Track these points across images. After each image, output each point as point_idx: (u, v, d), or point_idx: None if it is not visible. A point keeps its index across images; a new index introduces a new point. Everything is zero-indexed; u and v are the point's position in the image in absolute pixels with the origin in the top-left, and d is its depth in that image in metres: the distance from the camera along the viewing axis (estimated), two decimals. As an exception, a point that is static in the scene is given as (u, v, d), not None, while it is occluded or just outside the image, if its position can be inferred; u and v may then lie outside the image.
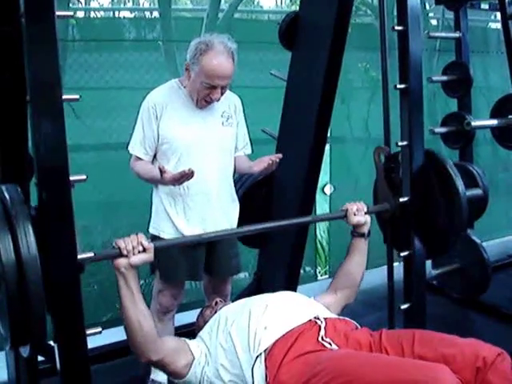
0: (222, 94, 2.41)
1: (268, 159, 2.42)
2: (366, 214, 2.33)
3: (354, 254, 2.34)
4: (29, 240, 1.51)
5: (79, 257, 1.67)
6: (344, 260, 2.36)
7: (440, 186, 2.42)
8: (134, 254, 1.81)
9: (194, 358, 1.98)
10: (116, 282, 1.84)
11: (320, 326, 1.94)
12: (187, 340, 2.05)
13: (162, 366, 1.97)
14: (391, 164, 2.46)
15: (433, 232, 2.46)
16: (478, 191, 2.76)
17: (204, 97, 2.39)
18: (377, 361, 1.75)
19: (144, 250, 1.83)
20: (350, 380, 1.66)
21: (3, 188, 1.60)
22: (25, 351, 1.68)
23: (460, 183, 2.39)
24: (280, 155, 2.45)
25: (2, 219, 1.53)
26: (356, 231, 2.34)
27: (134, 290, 1.84)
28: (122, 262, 1.81)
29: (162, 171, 2.25)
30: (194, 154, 2.43)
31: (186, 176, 2.24)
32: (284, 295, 2.22)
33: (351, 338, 1.92)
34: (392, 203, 2.44)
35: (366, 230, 2.34)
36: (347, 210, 2.30)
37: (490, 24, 5.42)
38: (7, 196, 1.56)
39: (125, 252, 1.80)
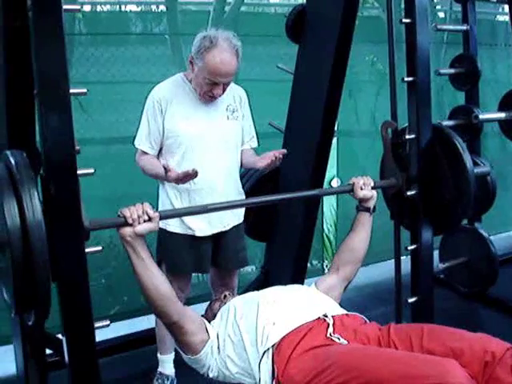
0: (224, 90, 2.41)
1: (272, 155, 2.42)
2: (372, 188, 2.31)
3: (358, 228, 2.32)
4: (34, 205, 1.49)
5: (85, 224, 1.67)
6: (347, 235, 2.34)
7: (447, 161, 2.40)
8: (139, 223, 1.81)
9: (209, 338, 1.98)
10: (126, 252, 1.84)
11: (328, 324, 1.94)
12: (205, 320, 2.05)
13: (179, 330, 1.95)
14: (398, 139, 2.45)
15: (440, 207, 2.44)
16: (485, 169, 2.73)
17: (206, 92, 2.39)
18: (384, 356, 1.74)
19: (149, 219, 1.82)
20: (356, 376, 1.65)
21: (8, 153, 1.58)
22: (29, 318, 1.67)
23: (468, 158, 2.37)
24: (284, 150, 2.44)
25: (8, 184, 1.51)
26: (362, 205, 2.33)
27: (143, 257, 1.83)
28: (127, 230, 1.80)
29: (166, 170, 2.25)
30: (200, 149, 2.43)
31: (190, 176, 2.24)
32: (293, 289, 2.22)
33: (359, 333, 1.92)
34: (399, 178, 2.43)
35: (371, 204, 2.32)
36: (354, 183, 2.28)
37: (497, 16, 5.38)
38: (12, 160, 1.55)
39: (130, 221, 1.79)
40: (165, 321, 1.95)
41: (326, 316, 1.99)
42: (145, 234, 1.84)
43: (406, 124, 2.46)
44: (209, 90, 2.38)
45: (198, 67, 2.35)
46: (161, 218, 1.89)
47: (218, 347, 2.00)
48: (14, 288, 1.54)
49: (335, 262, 2.31)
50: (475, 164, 3.26)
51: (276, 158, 2.39)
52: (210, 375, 2.02)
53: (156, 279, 1.85)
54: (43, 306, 1.58)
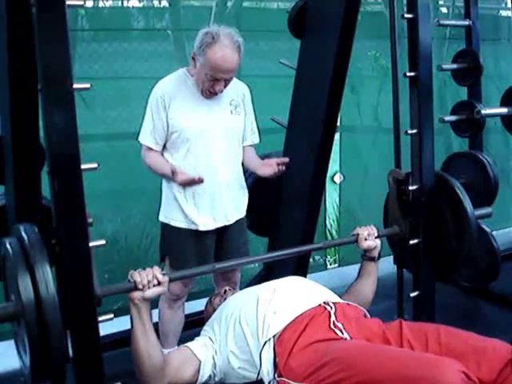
0: (225, 86, 2.41)
1: (274, 163, 2.44)
2: (376, 237, 2.35)
3: (364, 277, 2.37)
4: (47, 281, 1.55)
5: (96, 292, 1.73)
6: (355, 281, 2.39)
7: (450, 209, 2.45)
8: (149, 288, 1.85)
9: (200, 362, 2.01)
10: (129, 311, 1.89)
11: (330, 312, 1.95)
12: (190, 344, 2.07)
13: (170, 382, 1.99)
14: (403, 186, 2.48)
15: (442, 255, 2.50)
16: (487, 210, 2.80)
17: (208, 88, 2.40)
18: (383, 355, 1.75)
19: (159, 283, 1.87)
20: (355, 374, 1.68)
21: (21, 228, 1.64)
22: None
23: (469, 205, 2.42)
24: (287, 159, 2.47)
25: (21, 259, 1.57)
26: (366, 255, 2.38)
27: (145, 322, 1.88)
28: (136, 295, 1.85)
29: (173, 172, 2.29)
30: (203, 143, 2.44)
31: (195, 182, 2.30)
32: (291, 280, 2.24)
33: (363, 326, 1.93)
34: (402, 226, 2.47)
35: (376, 253, 2.38)
36: (358, 234, 2.33)
37: (500, 11, 5.37)
38: (25, 236, 1.61)
39: (140, 286, 1.84)
40: None
41: (327, 303, 2.00)
42: (153, 298, 1.90)
43: (409, 168, 2.49)
44: (210, 86, 2.39)
45: (200, 63, 2.36)
46: (171, 281, 1.95)
47: (214, 350, 2.03)
48: (31, 361, 1.59)
49: (345, 299, 2.28)
50: (477, 161, 3.30)
51: (278, 170, 2.45)
52: (217, 379, 2.06)
53: (152, 347, 1.89)
54: (59, 377, 1.64)
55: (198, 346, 2.05)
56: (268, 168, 2.48)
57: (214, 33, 2.33)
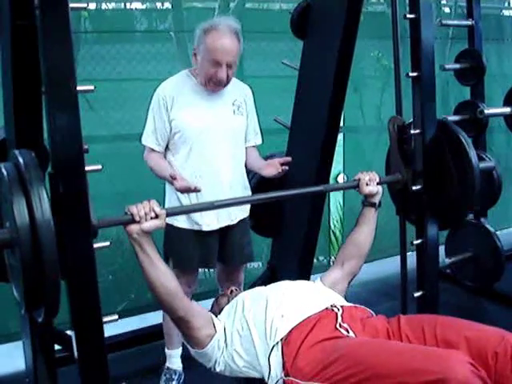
0: (228, 76, 2.41)
1: (277, 163, 2.44)
2: (378, 184, 2.33)
3: (363, 223, 2.34)
4: (43, 204, 1.50)
5: (93, 222, 1.68)
6: (352, 230, 2.36)
7: (452, 156, 2.40)
8: (146, 220, 1.82)
9: (215, 332, 2.00)
10: (133, 249, 1.86)
11: (337, 314, 1.96)
12: (212, 315, 2.07)
13: (186, 325, 1.97)
14: (404, 134, 2.45)
15: (446, 202, 2.45)
16: (490, 164, 2.75)
17: (211, 76, 2.40)
18: (391, 350, 1.75)
19: (156, 216, 1.84)
20: (363, 370, 1.67)
21: (17, 153, 1.59)
22: (39, 315, 1.69)
23: (472, 152, 2.38)
24: (289, 158, 2.48)
25: (16, 184, 1.53)
26: (367, 200, 2.34)
27: (150, 254, 1.85)
28: (134, 228, 1.81)
29: (172, 178, 2.28)
30: (206, 143, 2.45)
31: (192, 191, 2.28)
32: (301, 284, 2.23)
33: (368, 325, 1.93)
34: (404, 174, 2.44)
35: (377, 199, 2.35)
36: (359, 179, 2.30)
37: (503, 11, 5.36)
38: (21, 160, 1.56)
39: (137, 218, 1.81)
40: (172, 316, 1.97)
41: (335, 306, 2.00)
42: (151, 231, 1.85)
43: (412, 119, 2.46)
44: (213, 74, 2.38)
45: (201, 52, 2.38)
46: (167, 215, 1.91)
47: (225, 341, 2.01)
48: (24, 286, 1.55)
49: (340, 257, 2.33)
50: (480, 159, 3.28)
51: (282, 170, 2.44)
52: (217, 369, 2.04)
53: (163, 275, 1.87)
54: (53, 303, 1.59)
55: (217, 321, 2.04)
56: (272, 168, 2.48)
57: (212, 21, 2.39)
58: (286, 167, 2.46)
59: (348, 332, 1.88)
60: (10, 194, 1.51)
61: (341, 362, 1.72)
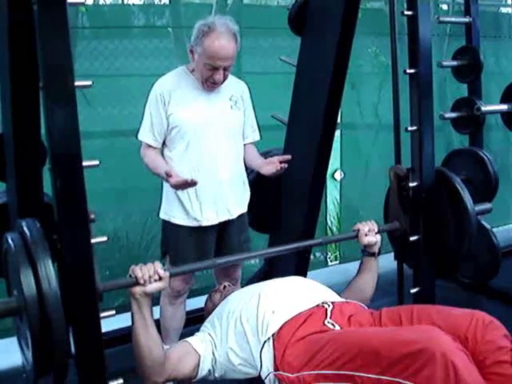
0: (225, 76, 2.42)
1: (277, 162, 2.44)
2: (376, 233, 2.35)
3: (364, 272, 2.38)
4: (49, 275, 1.56)
5: (98, 287, 1.74)
6: (355, 276, 2.39)
7: (450, 205, 2.47)
8: (150, 283, 1.86)
9: (199, 356, 2.02)
10: (130, 307, 1.90)
11: (327, 310, 1.97)
12: (190, 339, 2.08)
13: (174, 379, 2.01)
14: (403, 182, 2.48)
15: (442, 251, 2.52)
16: (487, 206, 2.81)
17: (208, 78, 2.41)
18: (374, 330, 1.83)
19: (160, 279, 1.88)
20: (348, 349, 1.70)
21: (23, 223, 1.64)
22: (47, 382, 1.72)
23: (469, 202, 2.43)
24: (289, 156, 2.48)
25: (23, 254, 1.58)
26: (367, 250, 2.37)
27: (146, 317, 1.88)
28: (138, 290, 1.86)
29: (168, 175, 2.29)
30: (204, 137, 2.45)
31: (188, 184, 2.29)
32: (293, 280, 2.24)
33: (353, 321, 1.95)
34: (402, 222, 2.48)
35: (376, 249, 2.38)
36: (358, 230, 2.33)
37: (501, 8, 5.37)
38: (27, 231, 1.61)
39: (141, 281, 1.85)
40: (156, 379, 1.95)
41: (326, 302, 2.01)
42: (154, 293, 1.91)
43: (409, 164, 2.51)
44: (210, 76, 2.40)
45: (198, 54, 2.38)
46: (171, 276, 1.96)
47: (214, 345, 2.04)
48: (33, 355, 1.60)
49: (345, 295, 2.30)
50: (477, 158, 3.31)
51: (281, 168, 2.44)
52: (216, 375, 2.07)
53: (152, 341, 1.90)
54: (62, 371, 1.66)
55: (198, 340, 2.06)
56: (270, 166, 2.48)
57: (210, 22, 2.36)
58: (285, 165, 2.46)
59: (334, 326, 1.91)
60: (16, 264, 1.57)
61: (327, 348, 1.76)
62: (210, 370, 2.04)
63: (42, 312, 1.55)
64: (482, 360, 1.69)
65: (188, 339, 2.09)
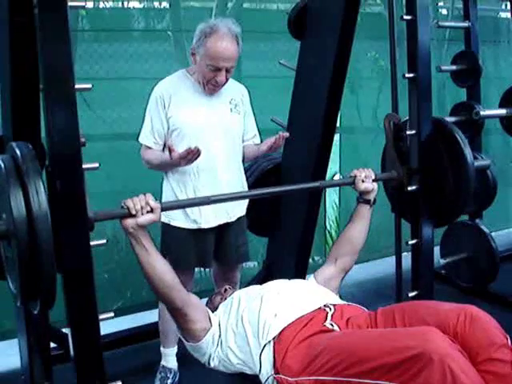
0: (227, 78, 2.43)
1: (274, 138, 2.45)
2: (373, 181, 2.34)
3: (357, 220, 2.35)
4: (40, 196, 1.51)
5: (89, 215, 1.70)
6: (346, 226, 2.38)
7: (448, 155, 2.42)
8: (142, 214, 1.84)
9: (211, 326, 2.02)
10: (129, 243, 1.88)
11: (328, 313, 1.97)
12: (208, 310, 2.09)
13: (183, 317, 1.99)
14: (400, 132, 2.47)
15: (441, 200, 2.47)
16: (485, 162, 2.77)
17: (210, 80, 2.41)
18: (371, 335, 1.80)
19: (151, 210, 1.86)
20: (347, 357, 1.70)
21: (14, 145, 1.60)
22: (34, 308, 1.69)
23: (468, 151, 2.39)
24: (287, 134, 2.47)
25: (14, 175, 1.53)
26: (362, 197, 2.36)
27: (147, 246, 1.87)
28: (129, 222, 1.84)
29: (170, 150, 2.29)
30: (203, 140, 2.45)
31: (193, 153, 2.27)
32: (296, 283, 2.24)
33: (351, 323, 1.96)
34: (400, 171, 2.45)
35: (372, 196, 2.35)
36: (355, 176, 2.32)
37: (500, 13, 5.38)
38: (18, 152, 1.57)
39: (133, 212, 1.83)
40: (169, 307, 1.99)
41: (327, 305, 2.02)
42: (147, 225, 1.87)
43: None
44: (212, 78, 2.40)
45: (200, 55, 2.38)
46: (162, 210, 1.93)
47: (220, 337, 2.03)
48: (20, 277, 1.56)
49: (333, 253, 2.35)
50: (475, 158, 3.30)
51: (279, 136, 2.43)
52: (212, 364, 2.06)
53: (160, 268, 1.90)
54: (48, 295, 1.60)
55: (212, 316, 2.06)
56: (268, 142, 2.48)
57: (213, 24, 2.37)
58: (287, 134, 2.44)
59: (333, 326, 1.91)
60: (6, 186, 1.52)
61: (324, 354, 1.75)
62: (210, 352, 2.03)
63: (31, 235, 1.51)
64: (474, 355, 1.68)
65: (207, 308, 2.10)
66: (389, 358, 1.61)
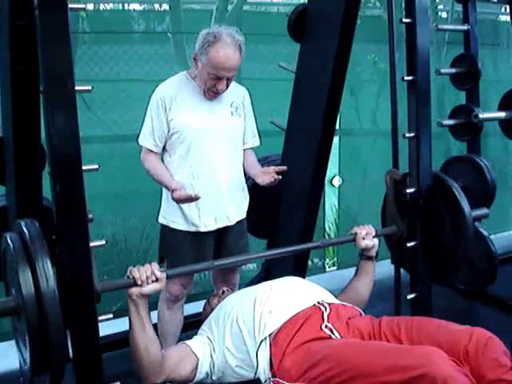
0: (227, 85, 2.43)
1: (272, 171, 2.46)
2: (374, 237, 2.37)
3: (361, 275, 2.39)
4: (48, 275, 1.56)
5: (96, 288, 1.74)
6: (352, 279, 2.41)
7: (447, 210, 2.47)
8: (147, 284, 1.88)
9: (198, 359, 2.04)
10: (127, 308, 1.92)
11: (323, 313, 1.98)
12: (188, 342, 2.09)
13: (169, 382, 2.02)
14: (401, 187, 2.50)
15: (440, 255, 2.53)
16: (484, 211, 2.82)
17: (210, 87, 2.42)
18: (373, 349, 1.79)
19: (157, 280, 1.90)
20: (347, 369, 1.71)
21: (22, 223, 1.65)
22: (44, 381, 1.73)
23: (466, 206, 2.44)
24: (285, 168, 2.50)
25: (22, 254, 1.58)
26: (364, 254, 2.39)
27: (143, 317, 1.90)
28: (135, 291, 1.88)
29: (174, 188, 2.32)
30: (204, 143, 2.46)
31: (192, 199, 2.32)
32: (288, 279, 2.26)
33: (352, 325, 1.96)
34: (400, 226, 2.49)
35: (373, 252, 2.40)
36: (356, 234, 2.35)
37: (500, 17, 5.39)
38: (26, 231, 1.62)
39: (139, 282, 1.87)
40: (154, 380, 1.97)
41: (322, 303, 2.02)
42: (151, 294, 1.92)
43: (407, 170, 2.52)
44: (213, 86, 2.41)
45: (202, 63, 2.38)
46: (168, 278, 1.99)
47: (212, 347, 2.05)
48: (31, 353, 1.60)
49: (341, 298, 2.30)
50: (474, 165, 3.33)
51: (275, 179, 2.46)
52: (214, 378, 2.08)
53: (150, 341, 1.92)
54: (59, 370, 1.66)
55: (197, 343, 2.07)
56: (266, 176, 2.49)
57: (216, 32, 2.36)
58: (280, 176, 2.47)
59: (332, 332, 1.91)
60: (15, 264, 1.57)
61: (324, 363, 1.76)
62: (207, 373, 2.05)
63: (39, 311, 1.55)
64: (483, 375, 1.69)
65: (187, 342, 2.10)
66: (392, 375, 1.62)
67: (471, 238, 2.46)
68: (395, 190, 2.50)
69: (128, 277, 1.89)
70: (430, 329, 1.87)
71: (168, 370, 1.97)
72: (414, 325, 1.90)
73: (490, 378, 1.69)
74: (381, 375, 1.63)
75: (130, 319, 1.91)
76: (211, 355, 2.04)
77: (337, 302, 2.12)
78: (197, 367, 2.03)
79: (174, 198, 2.35)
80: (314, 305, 2.02)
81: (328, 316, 1.97)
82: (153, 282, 1.89)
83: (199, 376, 2.04)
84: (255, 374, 1.96)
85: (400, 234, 2.49)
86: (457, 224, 2.43)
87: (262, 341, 1.94)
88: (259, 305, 2.02)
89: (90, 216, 1.69)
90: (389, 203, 2.53)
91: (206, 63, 2.37)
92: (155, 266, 1.91)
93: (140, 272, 1.88)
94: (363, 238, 2.34)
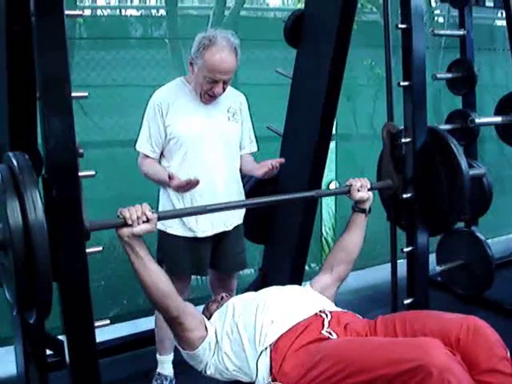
0: (224, 89, 2.44)
1: (269, 163, 2.45)
2: (369, 190, 2.34)
3: (352, 229, 2.35)
4: (36, 206, 1.52)
5: (85, 225, 1.70)
6: (342, 235, 2.38)
7: (443, 163, 2.42)
8: (138, 224, 1.84)
9: (207, 334, 2.02)
10: (125, 253, 1.88)
11: (324, 320, 1.97)
12: (205, 317, 2.09)
13: (179, 326, 1.99)
14: (397, 141, 2.47)
15: (436, 208, 2.47)
16: (480, 170, 2.78)
17: (207, 91, 2.42)
18: (370, 345, 1.80)
19: (148, 220, 1.86)
20: (345, 366, 1.71)
21: (11, 155, 1.61)
22: (30, 317, 1.69)
23: (462, 159, 2.40)
24: (282, 160, 2.49)
25: (10, 185, 1.54)
26: (358, 206, 2.36)
27: (142, 255, 1.87)
28: (124, 231, 1.84)
29: (170, 177, 2.31)
30: (201, 148, 2.46)
31: (192, 184, 2.30)
32: (291, 289, 2.25)
33: (350, 329, 1.96)
34: (395, 180, 2.46)
35: (367, 205, 2.36)
36: (351, 185, 2.32)
37: (496, 21, 5.41)
38: (15, 162, 1.58)
39: (129, 222, 1.83)
40: (165, 316, 1.99)
41: (324, 312, 2.02)
42: (142, 235, 1.88)
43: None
44: (209, 89, 2.41)
45: (198, 66, 2.39)
46: (159, 219, 1.94)
47: (216, 343, 2.03)
48: (16, 287, 1.56)
49: (328, 262, 2.34)
50: (470, 166, 3.31)
51: (273, 166, 2.45)
52: (208, 372, 2.06)
53: (155, 276, 1.90)
54: (44, 305, 1.61)
55: (208, 324, 2.06)
56: (263, 168, 2.49)
57: (211, 35, 2.37)
58: (278, 165, 2.46)
59: (331, 334, 1.91)
60: (3, 196, 1.53)
61: (323, 363, 1.76)
62: (206, 360, 2.03)
63: (27, 244, 1.52)
64: (475, 365, 1.69)
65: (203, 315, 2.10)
66: (388, 369, 1.61)
67: (468, 192, 2.41)
68: (391, 145, 2.48)
69: (118, 216, 1.85)
70: (424, 320, 1.87)
71: (185, 312, 1.97)
72: (408, 318, 1.91)
73: (484, 367, 1.69)
74: (378, 369, 1.63)
75: (130, 261, 1.88)
76: (214, 348, 2.03)
77: (338, 309, 2.12)
78: (203, 340, 2.01)
79: (174, 188, 2.35)
80: (316, 314, 2.02)
81: (329, 322, 1.96)
82: (144, 222, 1.85)
83: (200, 351, 2.01)
84: (255, 379, 1.95)
85: (395, 187, 2.45)
86: (453, 177, 2.39)
87: (262, 351, 1.92)
88: (261, 314, 2.00)
89: (81, 151, 1.66)
90: (384, 158, 2.51)
91: (201, 67, 2.37)
92: (146, 206, 1.87)
93: (130, 212, 1.83)
94: (358, 190, 2.30)
